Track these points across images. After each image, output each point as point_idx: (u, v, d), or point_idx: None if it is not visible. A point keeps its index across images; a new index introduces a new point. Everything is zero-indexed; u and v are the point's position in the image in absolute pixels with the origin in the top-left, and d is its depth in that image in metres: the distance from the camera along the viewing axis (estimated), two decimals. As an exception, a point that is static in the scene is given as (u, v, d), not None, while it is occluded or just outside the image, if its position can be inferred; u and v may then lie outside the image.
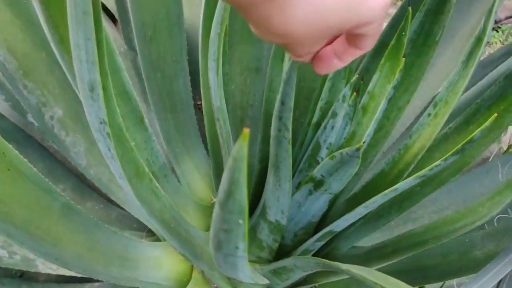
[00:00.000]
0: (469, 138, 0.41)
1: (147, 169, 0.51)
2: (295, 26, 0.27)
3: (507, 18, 2.61)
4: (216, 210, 0.33)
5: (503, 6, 2.82)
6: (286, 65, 0.41)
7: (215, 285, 0.74)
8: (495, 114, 0.39)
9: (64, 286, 0.79)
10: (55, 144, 0.69)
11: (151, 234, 0.86)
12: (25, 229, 0.51)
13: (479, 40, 0.46)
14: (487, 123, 0.40)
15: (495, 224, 0.67)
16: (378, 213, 0.70)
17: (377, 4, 0.29)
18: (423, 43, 0.56)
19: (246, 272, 0.48)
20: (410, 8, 0.47)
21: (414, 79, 0.59)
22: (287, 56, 0.45)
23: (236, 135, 0.75)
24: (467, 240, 0.67)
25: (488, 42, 2.92)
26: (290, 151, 0.47)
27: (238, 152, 0.26)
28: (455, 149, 0.42)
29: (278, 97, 0.42)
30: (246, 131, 0.24)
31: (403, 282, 0.50)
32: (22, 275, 0.83)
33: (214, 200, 0.79)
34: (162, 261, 0.72)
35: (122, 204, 0.76)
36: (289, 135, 0.45)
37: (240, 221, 0.32)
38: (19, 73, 0.62)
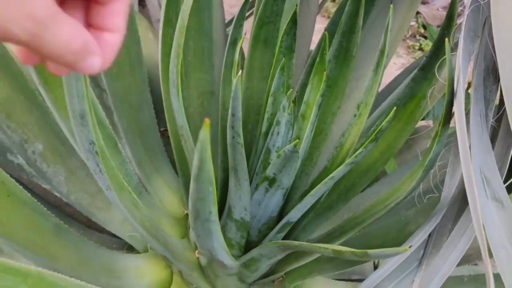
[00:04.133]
0: (378, 129, 0.53)
1: (126, 183, 0.60)
2: None
3: (438, 26, 2.86)
4: (192, 184, 0.43)
5: (433, 15, 3.07)
6: (233, 86, 0.52)
7: (194, 286, 0.83)
8: (394, 108, 0.52)
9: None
10: (38, 175, 0.77)
11: (130, 251, 0.95)
12: (26, 247, 0.59)
13: (382, 52, 0.59)
14: (390, 115, 0.53)
15: (425, 201, 0.79)
16: (328, 205, 0.81)
17: None
18: (344, 58, 0.69)
19: (220, 239, 0.58)
20: (326, 32, 0.60)
21: (341, 88, 0.72)
22: (233, 78, 0.56)
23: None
24: (402, 218, 0.79)
25: (422, 50, 3.13)
26: (244, 154, 0.58)
27: (203, 136, 0.36)
28: (370, 138, 0.54)
29: (229, 111, 0.53)
30: (207, 121, 0.34)
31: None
32: None
33: (186, 212, 0.89)
34: (144, 270, 0.80)
35: (102, 224, 0.84)
36: (241, 140, 0.56)
37: (210, 189, 0.42)
38: (2, 116, 0.71)
